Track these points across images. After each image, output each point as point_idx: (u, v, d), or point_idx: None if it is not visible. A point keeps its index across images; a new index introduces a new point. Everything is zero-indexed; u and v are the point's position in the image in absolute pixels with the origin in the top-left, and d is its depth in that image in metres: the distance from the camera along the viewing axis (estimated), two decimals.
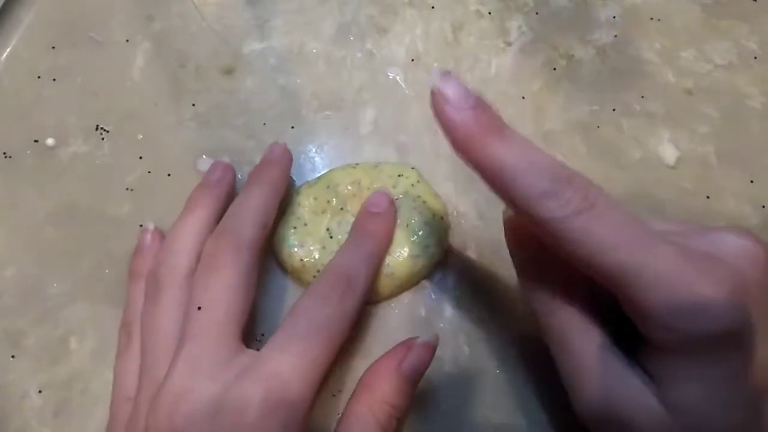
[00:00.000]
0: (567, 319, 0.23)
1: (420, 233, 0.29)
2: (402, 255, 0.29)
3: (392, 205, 0.29)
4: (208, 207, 0.29)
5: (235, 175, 0.31)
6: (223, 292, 0.25)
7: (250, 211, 0.27)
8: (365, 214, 0.29)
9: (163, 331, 0.26)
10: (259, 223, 0.27)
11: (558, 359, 0.23)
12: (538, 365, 0.28)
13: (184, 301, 0.26)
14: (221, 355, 0.24)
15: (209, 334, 0.24)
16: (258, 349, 0.24)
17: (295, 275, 0.30)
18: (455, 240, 0.31)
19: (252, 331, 0.29)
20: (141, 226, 0.31)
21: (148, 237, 0.30)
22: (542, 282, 0.24)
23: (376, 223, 0.29)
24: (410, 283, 0.30)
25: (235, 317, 0.25)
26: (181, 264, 0.27)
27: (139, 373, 0.26)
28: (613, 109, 0.33)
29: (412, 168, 0.31)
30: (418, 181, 0.31)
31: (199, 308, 0.24)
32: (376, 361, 0.26)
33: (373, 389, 0.25)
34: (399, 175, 0.31)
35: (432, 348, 0.26)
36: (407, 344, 0.26)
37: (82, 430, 0.28)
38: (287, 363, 0.23)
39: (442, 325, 0.29)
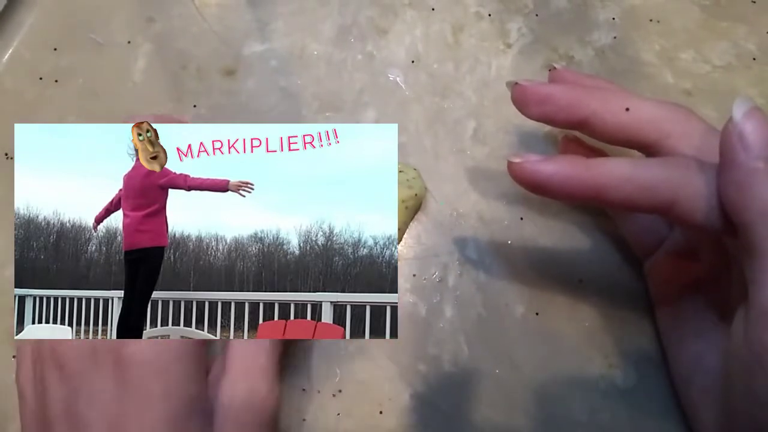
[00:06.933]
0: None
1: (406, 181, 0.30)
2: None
3: None
4: None
5: None
6: None
7: None
8: None
9: None
10: None
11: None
12: (538, 365, 0.28)
13: None
14: None
15: None
16: None
17: None
18: (456, 240, 0.31)
19: None
20: None
21: None
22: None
23: None
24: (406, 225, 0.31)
25: None
26: None
27: None
28: None
29: (414, 169, 0.31)
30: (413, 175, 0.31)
31: None
32: None
33: None
34: (400, 171, 0.31)
35: None
36: None
37: None
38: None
39: (442, 325, 0.29)
